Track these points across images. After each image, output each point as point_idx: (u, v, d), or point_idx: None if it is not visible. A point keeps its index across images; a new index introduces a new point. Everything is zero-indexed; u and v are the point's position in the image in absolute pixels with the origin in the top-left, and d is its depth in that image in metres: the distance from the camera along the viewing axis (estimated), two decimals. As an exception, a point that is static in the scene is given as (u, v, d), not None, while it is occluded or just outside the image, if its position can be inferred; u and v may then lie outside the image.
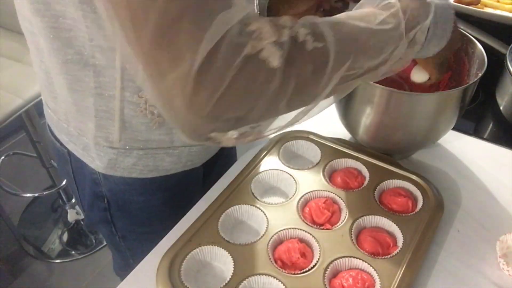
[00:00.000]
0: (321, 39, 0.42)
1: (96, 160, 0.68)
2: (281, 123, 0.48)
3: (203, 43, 0.37)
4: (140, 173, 0.69)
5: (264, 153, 0.73)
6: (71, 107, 0.63)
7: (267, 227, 0.62)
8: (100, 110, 0.61)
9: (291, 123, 0.49)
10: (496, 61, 0.74)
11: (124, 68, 0.55)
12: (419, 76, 0.65)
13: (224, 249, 0.59)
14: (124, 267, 0.88)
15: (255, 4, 0.63)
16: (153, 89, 0.40)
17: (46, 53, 0.59)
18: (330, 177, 0.70)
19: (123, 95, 0.58)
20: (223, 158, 0.88)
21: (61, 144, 0.73)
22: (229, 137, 0.44)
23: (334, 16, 0.47)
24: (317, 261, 0.57)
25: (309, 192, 0.67)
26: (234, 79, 0.38)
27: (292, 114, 0.48)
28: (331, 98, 0.50)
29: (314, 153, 0.74)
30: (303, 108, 0.47)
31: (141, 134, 0.64)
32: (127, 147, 0.65)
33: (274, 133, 0.51)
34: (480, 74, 0.64)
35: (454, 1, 0.99)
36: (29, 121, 1.49)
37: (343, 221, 0.63)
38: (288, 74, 0.40)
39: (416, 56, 0.55)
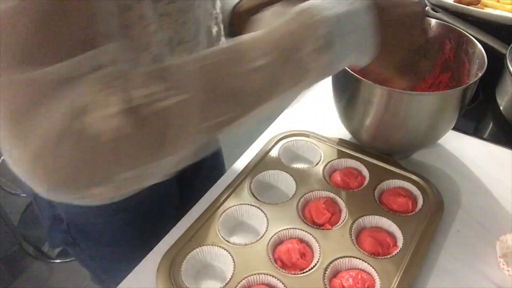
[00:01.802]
0: (181, 91, 0.38)
1: (39, 187, 0.65)
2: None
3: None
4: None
5: (264, 153, 0.73)
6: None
7: (267, 227, 0.62)
8: None
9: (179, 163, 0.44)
10: (496, 61, 0.74)
11: None
12: None
13: (224, 249, 0.59)
14: (98, 281, 0.86)
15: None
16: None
17: None
18: (330, 177, 0.70)
19: None
20: (201, 169, 0.85)
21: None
22: (108, 190, 0.39)
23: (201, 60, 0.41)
24: (317, 261, 0.57)
25: (309, 192, 0.67)
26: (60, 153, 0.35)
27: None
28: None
29: (314, 153, 0.74)
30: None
31: None
32: None
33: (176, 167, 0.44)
34: (480, 74, 0.64)
35: (454, 1, 0.99)
36: (29, 121, 1.49)
37: (343, 221, 0.63)
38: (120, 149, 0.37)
39: (341, 67, 0.48)
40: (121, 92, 0.36)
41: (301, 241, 0.60)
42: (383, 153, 0.72)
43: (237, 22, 0.70)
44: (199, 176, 0.85)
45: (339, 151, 0.74)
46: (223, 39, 0.68)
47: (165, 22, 0.53)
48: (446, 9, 0.99)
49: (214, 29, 0.66)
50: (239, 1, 0.70)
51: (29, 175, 0.38)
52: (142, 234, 0.76)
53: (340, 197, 0.66)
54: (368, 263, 0.57)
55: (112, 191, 0.39)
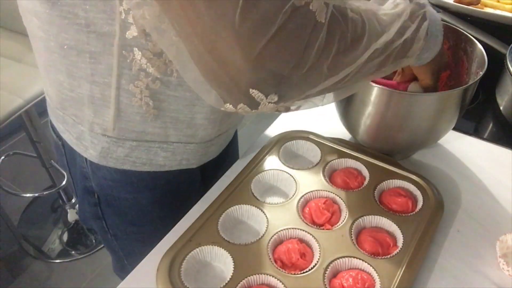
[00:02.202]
0: (357, 13, 0.45)
1: (90, 149, 0.67)
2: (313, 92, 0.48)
3: None
4: (133, 165, 0.68)
5: (264, 153, 0.73)
6: (67, 93, 0.62)
7: (267, 227, 0.62)
8: (95, 97, 0.60)
9: (322, 93, 0.51)
10: (496, 61, 0.74)
11: (121, 54, 0.55)
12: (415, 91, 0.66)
13: (224, 249, 0.59)
14: (121, 268, 0.88)
15: None
16: (196, 28, 0.40)
17: (44, 40, 0.59)
18: (330, 177, 0.70)
19: (119, 82, 0.57)
20: (224, 166, 0.87)
21: (57, 135, 0.73)
22: (269, 101, 0.43)
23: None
24: (317, 261, 0.57)
25: (309, 192, 0.67)
26: (282, 26, 0.38)
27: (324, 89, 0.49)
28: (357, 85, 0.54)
29: (314, 153, 0.74)
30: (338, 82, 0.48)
31: (136, 125, 0.63)
32: (121, 137, 0.64)
33: (308, 107, 0.52)
34: (481, 73, 0.64)
35: (454, 1, 0.99)
36: (29, 121, 1.49)
37: (343, 221, 0.63)
38: (333, 32, 0.41)
39: (413, 63, 0.58)
40: None
41: (301, 241, 0.60)
42: (383, 153, 0.72)
43: None
44: (219, 162, 0.86)
45: (339, 151, 0.74)
46: None
47: None
48: (446, 9, 0.99)
49: None
50: None
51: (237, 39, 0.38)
52: (165, 216, 0.77)
53: (340, 197, 0.66)
54: (368, 263, 0.57)
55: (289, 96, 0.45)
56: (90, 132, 0.65)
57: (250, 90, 0.42)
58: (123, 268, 0.87)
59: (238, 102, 0.44)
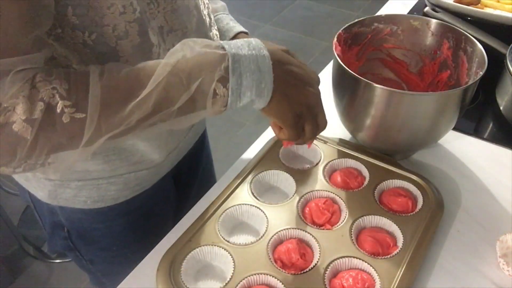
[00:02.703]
0: (82, 109, 0.44)
1: (39, 191, 0.67)
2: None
3: None
4: (84, 204, 0.67)
5: (264, 153, 0.73)
6: None
7: (267, 227, 0.62)
8: None
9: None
10: (496, 61, 0.74)
11: None
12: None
13: (224, 249, 0.59)
14: (98, 284, 0.86)
15: None
16: None
17: None
18: (330, 177, 0.70)
19: None
20: (197, 167, 0.86)
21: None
22: (19, 171, 0.45)
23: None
24: (317, 261, 0.57)
25: (309, 192, 0.67)
26: None
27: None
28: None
29: (314, 153, 0.74)
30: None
31: (77, 166, 0.62)
32: (64, 179, 0.64)
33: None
34: (481, 73, 0.64)
35: (454, 1, 0.99)
36: (29, 121, 1.49)
37: (343, 221, 0.63)
38: (41, 144, 0.43)
39: (238, 103, 0.50)
40: (44, 103, 0.42)
41: (301, 241, 0.60)
42: (383, 153, 0.72)
43: None
44: (195, 178, 0.86)
45: (339, 151, 0.74)
46: (214, 30, 0.69)
47: (153, 11, 0.55)
48: (446, 9, 0.99)
49: (207, 19, 0.67)
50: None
51: None
52: (142, 237, 0.76)
53: (340, 197, 0.66)
54: (368, 263, 0.57)
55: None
56: (33, 177, 0.64)
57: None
58: (102, 284, 0.85)
59: None
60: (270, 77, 0.49)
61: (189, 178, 0.84)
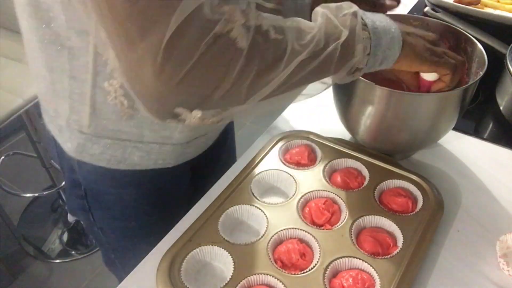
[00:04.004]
0: (281, 32, 0.47)
1: (68, 142, 0.68)
2: (242, 108, 0.49)
3: (175, 15, 0.39)
4: (108, 163, 0.68)
5: (264, 153, 0.73)
6: (49, 86, 0.63)
7: (267, 227, 0.62)
8: (74, 92, 0.60)
9: (255, 109, 0.52)
10: (496, 61, 0.74)
11: (97, 53, 0.55)
12: (426, 76, 0.64)
13: (224, 249, 0.59)
14: (110, 262, 0.87)
15: None
16: (122, 60, 0.42)
17: (28, 32, 0.59)
18: (330, 177, 0.70)
19: (94, 80, 0.58)
20: (216, 163, 0.87)
21: (47, 126, 0.74)
22: (194, 116, 0.46)
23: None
24: (317, 261, 0.57)
25: (309, 192, 0.67)
26: (204, 54, 0.41)
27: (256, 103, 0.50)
28: (293, 94, 0.54)
29: (314, 153, 0.74)
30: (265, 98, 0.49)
31: (111, 123, 0.63)
32: (96, 134, 0.65)
33: (237, 118, 0.53)
34: (481, 73, 0.64)
35: (454, 1, 0.99)
36: (29, 121, 1.49)
37: (343, 221, 0.63)
38: (252, 57, 0.44)
39: (372, 65, 0.56)
40: (255, 17, 0.44)
41: (301, 241, 0.60)
42: (383, 153, 0.72)
43: None
44: (211, 162, 0.86)
45: (339, 151, 0.73)
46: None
47: None
48: (446, 9, 0.99)
49: None
50: None
51: (156, 66, 0.40)
52: (152, 213, 0.78)
53: (340, 197, 0.66)
54: (368, 263, 0.57)
55: (208, 111, 0.47)
56: (67, 127, 0.66)
57: (175, 109, 0.45)
58: (112, 262, 0.87)
59: (164, 118, 0.46)
60: (399, 44, 0.56)
61: (206, 170, 0.85)
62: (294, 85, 0.50)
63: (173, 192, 0.79)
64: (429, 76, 0.63)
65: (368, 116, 0.68)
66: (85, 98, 0.60)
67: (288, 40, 0.47)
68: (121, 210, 0.76)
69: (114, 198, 0.75)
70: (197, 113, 0.46)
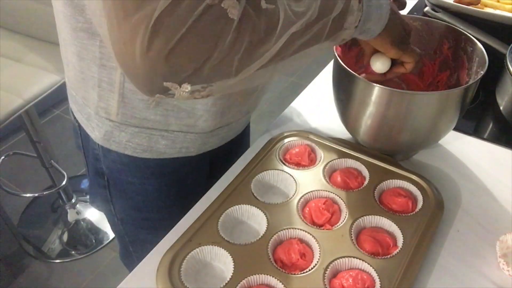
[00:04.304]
0: (272, 2, 0.45)
1: (95, 130, 0.69)
2: (231, 82, 0.48)
3: None
4: (134, 151, 0.69)
5: (264, 153, 0.73)
6: (78, 75, 0.64)
7: (267, 227, 0.62)
8: (103, 80, 0.62)
9: (243, 83, 0.50)
10: (496, 61, 0.74)
11: None
12: (378, 64, 0.65)
13: (224, 249, 0.59)
14: (126, 255, 0.89)
15: None
16: (116, 31, 0.41)
17: (61, 19, 0.60)
18: (330, 177, 0.70)
19: None
20: (235, 159, 0.87)
21: (73, 115, 0.75)
22: (183, 90, 0.45)
23: None
24: (317, 261, 0.57)
25: (309, 192, 0.67)
26: (194, 24, 0.40)
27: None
28: (287, 67, 0.53)
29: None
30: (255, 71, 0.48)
31: (138, 111, 0.64)
32: (124, 122, 0.66)
33: (226, 91, 0.51)
34: (481, 73, 0.64)
35: (454, 1, 0.99)
36: (29, 121, 1.49)
37: (343, 221, 0.63)
38: (244, 28, 0.43)
39: (359, 36, 0.57)
40: None
41: (301, 241, 0.60)
42: (384, 154, 0.72)
43: None
44: (230, 155, 0.86)
45: (339, 151, 0.74)
46: None
47: None
48: (446, 9, 0.99)
49: None
50: None
51: (150, 36, 0.40)
52: (172, 205, 0.79)
53: (340, 197, 0.66)
54: (368, 263, 0.57)
55: (200, 84, 0.45)
56: (95, 115, 0.67)
57: (164, 83, 0.43)
58: (129, 255, 0.88)
59: (153, 93, 0.45)
60: (387, 8, 0.56)
61: (224, 165, 0.85)
62: (283, 57, 0.50)
63: (192, 185, 0.80)
64: (378, 67, 0.65)
65: (368, 116, 0.68)
66: (114, 86, 0.61)
67: (281, 10, 0.46)
68: (143, 201, 0.77)
69: (136, 188, 0.76)
70: (186, 87, 0.45)
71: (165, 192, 0.77)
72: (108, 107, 0.64)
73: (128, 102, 0.63)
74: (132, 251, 0.87)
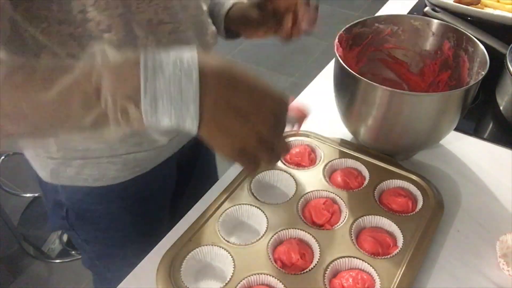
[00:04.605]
0: None
1: (41, 170, 0.68)
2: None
3: None
4: (85, 182, 0.68)
5: (264, 153, 0.73)
6: None
7: (267, 227, 0.62)
8: None
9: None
10: (496, 61, 0.74)
11: None
12: None
13: (224, 249, 0.59)
14: (91, 265, 0.86)
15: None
16: None
17: None
18: (330, 177, 0.70)
19: None
20: (200, 174, 0.87)
21: None
22: None
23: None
24: (317, 261, 0.57)
25: (309, 192, 0.67)
26: None
27: None
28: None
29: (314, 153, 0.74)
30: None
31: (79, 144, 0.62)
32: (67, 157, 0.64)
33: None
34: (482, 73, 0.64)
35: (454, 1, 0.99)
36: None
37: (343, 221, 0.63)
38: None
39: (154, 125, 0.42)
40: None
41: (301, 241, 0.60)
42: (384, 154, 0.72)
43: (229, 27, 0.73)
44: (194, 166, 0.86)
45: (339, 151, 0.73)
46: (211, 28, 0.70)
47: (142, 5, 0.56)
48: (446, 9, 0.99)
49: (210, 28, 0.68)
50: (231, 7, 0.72)
51: None
52: (137, 222, 0.77)
53: (340, 197, 0.66)
54: (368, 263, 0.57)
55: None
56: (37, 156, 0.65)
57: None
58: (94, 266, 0.85)
59: None
60: (195, 105, 0.40)
61: (189, 165, 0.85)
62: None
63: (158, 195, 0.79)
64: None
65: (369, 116, 0.68)
66: None
67: None
68: (107, 223, 0.76)
69: (101, 213, 0.74)
70: None
71: (129, 211, 0.75)
72: (46, 146, 0.62)
73: (64, 137, 0.61)
74: (98, 264, 0.84)
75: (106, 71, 0.40)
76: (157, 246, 0.63)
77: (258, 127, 0.43)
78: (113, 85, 0.40)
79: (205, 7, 0.68)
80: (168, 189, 0.81)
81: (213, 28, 0.71)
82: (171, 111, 0.41)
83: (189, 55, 0.41)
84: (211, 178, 0.89)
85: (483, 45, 0.68)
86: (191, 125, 0.42)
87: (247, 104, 0.43)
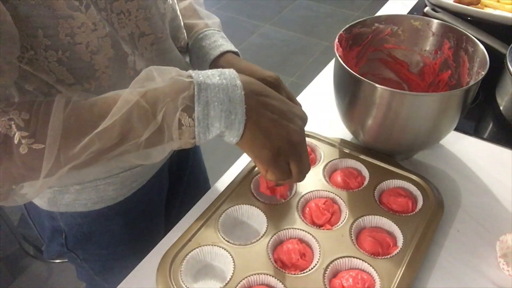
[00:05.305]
0: (41, 140, 0.43)
1: (38, 199, 0.68)
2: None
3: None
4: (85, 207, 0.68)
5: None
6: None
7: (267, 227, 0.62)
8: None
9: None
10: (496, 61, 0.74)
11: None
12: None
13: (224, 249, 0.59)
14: (89, 280, 0.85)
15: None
16: None
17: None
18: (330, 177, 0.70)
19: None
20: (190, 177, 0.87)
21: None
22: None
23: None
24: (317, 261, 0.57)
25: (309, 192, 0.67)
26: None
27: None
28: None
29: (314, 153, 0.74)
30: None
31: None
32: (63, 184, 0.64)
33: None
34: (482, 73, 0.64)
35: (454, 1, 0.99)
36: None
37: (343, 221, 0.63)
38: (2, 175, 0.43)
39: (206, 136, 0.47)
40: (5, 129, 0.42)
41: (301, 241, 0.60)
42: (385, 154, 0.72)
43: None
44: (185, 170, 0.86)
45: (339, 151, 0.73)
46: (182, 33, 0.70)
47: (123, 20, 0.55)
48: (446, 9, 0.99)
49: (183, 32, 0.68)
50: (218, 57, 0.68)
51: None
52: (137, 235, 0.77)
53: (340, 197, 0.66)
54: (368, 263, 0.57)
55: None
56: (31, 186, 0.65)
57: None
58: (92, 279, 0.84)
59: None
60: (241, 108, 0.46)
61: (179, 169, 0.85)
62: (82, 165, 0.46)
63: (154, 204, 0.79)
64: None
65: (369, 116, 0.68)
66: None
67: (50, 149, 0.43)
68: (109, 240, 0.75)
69: (100, 232, 0.73)
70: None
71: (130, 226, 0.75)
72: None
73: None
74: (97, 279, 0.83)
75: (160, 90, 0.44)
76: (157, 246, 0.63)
77: (289, 128, 0.49)
78: (168, 98, 0.44)
79: (177, 7, 0.67)
80: (162, 197, 0.81)
81: (184, 33, 0.70)
82: (221, 116, 0.45)
83: (224, 69, 0.47)
84: (201, 180, 0.90)
85: (483, 45, 0.68)
86: (237, 128, 0.46)
87: (280, 108, 0.49)
